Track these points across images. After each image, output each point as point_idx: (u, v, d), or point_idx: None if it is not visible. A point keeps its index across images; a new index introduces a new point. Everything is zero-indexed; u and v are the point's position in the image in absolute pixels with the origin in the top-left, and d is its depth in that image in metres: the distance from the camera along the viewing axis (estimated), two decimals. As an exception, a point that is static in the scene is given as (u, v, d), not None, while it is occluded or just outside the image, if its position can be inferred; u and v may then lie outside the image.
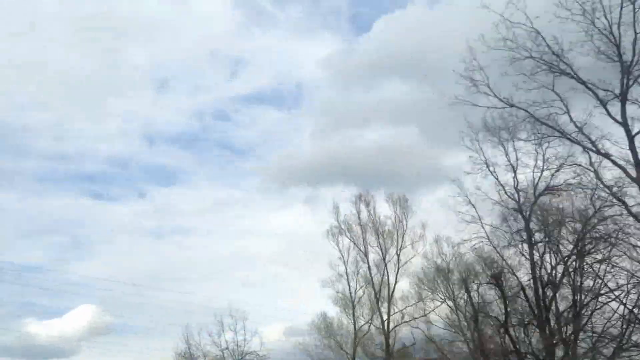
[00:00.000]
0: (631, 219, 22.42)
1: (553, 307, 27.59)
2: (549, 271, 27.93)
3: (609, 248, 24.51)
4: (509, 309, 30.16)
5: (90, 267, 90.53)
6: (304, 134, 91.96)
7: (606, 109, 21.74)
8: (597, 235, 24.87)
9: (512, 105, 24.17)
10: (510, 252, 29.84)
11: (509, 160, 29.13)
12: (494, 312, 32.93)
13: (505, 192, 29.33)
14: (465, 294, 38.60)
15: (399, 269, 48.20)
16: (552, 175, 27.55)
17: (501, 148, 29.22)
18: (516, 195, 29.12)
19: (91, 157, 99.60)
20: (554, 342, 26.60)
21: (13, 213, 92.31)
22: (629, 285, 24.19)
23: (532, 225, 28.39)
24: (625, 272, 24.04)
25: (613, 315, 25.15)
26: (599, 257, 25.51)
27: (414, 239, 48.44)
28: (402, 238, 48.72)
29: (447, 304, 43.33)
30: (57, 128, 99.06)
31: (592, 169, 23.20)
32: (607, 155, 22.20)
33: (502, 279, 30.36)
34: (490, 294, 33.82)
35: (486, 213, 30.28)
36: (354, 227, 50.20)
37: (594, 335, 25.65)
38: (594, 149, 22.65)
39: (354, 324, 49.78)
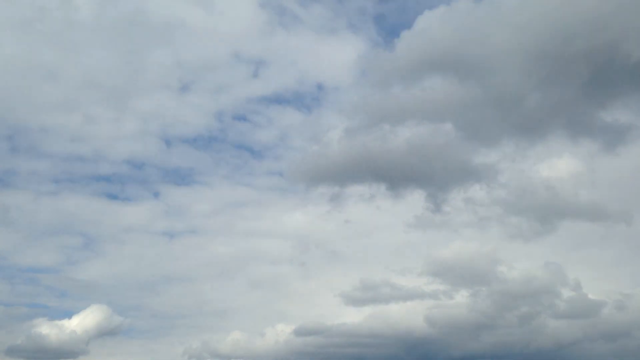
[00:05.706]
0: None
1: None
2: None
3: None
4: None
5: (101, 268, 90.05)
6: (330, 134, 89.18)
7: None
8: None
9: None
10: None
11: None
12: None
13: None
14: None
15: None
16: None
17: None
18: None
19: (108, 158, 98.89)
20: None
21: (27, 214, 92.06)
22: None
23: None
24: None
25: None
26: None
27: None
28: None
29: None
30: (76, 129, 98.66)
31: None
32: None
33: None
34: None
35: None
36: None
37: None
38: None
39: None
